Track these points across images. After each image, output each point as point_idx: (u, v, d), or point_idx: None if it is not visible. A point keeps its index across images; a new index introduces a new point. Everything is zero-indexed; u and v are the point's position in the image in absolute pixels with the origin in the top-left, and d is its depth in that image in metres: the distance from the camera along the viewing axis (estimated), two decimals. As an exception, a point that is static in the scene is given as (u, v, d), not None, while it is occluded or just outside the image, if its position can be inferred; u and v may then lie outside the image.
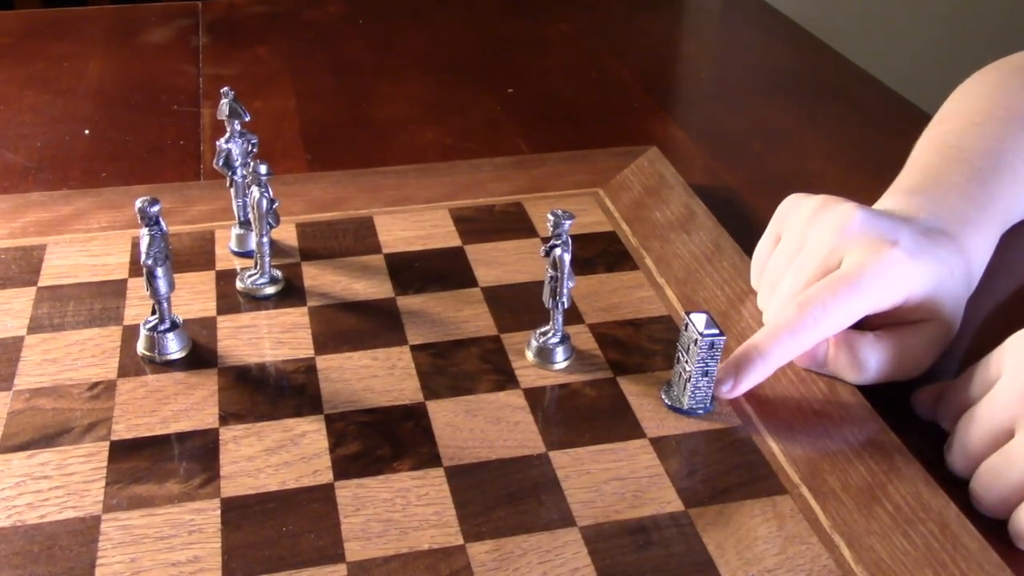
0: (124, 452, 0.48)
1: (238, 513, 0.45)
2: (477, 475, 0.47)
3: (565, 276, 0.52)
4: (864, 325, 0.54)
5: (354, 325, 0.57)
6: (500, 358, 0.55)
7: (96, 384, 0.52)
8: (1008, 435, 0.46)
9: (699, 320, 0.49)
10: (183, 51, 0.98)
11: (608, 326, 0.58)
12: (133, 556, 0.43)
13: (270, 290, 0.60)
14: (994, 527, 0.46)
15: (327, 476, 0.47)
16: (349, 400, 0.52)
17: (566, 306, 0.54)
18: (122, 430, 0.49)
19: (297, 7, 1.10)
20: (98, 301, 0.59)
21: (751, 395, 0.53)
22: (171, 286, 0.54)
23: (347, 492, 0.46)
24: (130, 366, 0.54)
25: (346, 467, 0.48)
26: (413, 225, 0.67)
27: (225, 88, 0.60)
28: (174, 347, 0.54)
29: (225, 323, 0.57)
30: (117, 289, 0.60)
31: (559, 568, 0.43)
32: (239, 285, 0.60)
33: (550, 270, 0.53)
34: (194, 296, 0.59)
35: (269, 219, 0.58)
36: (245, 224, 0.64)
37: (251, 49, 0.99)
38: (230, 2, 1.10)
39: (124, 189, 0.70)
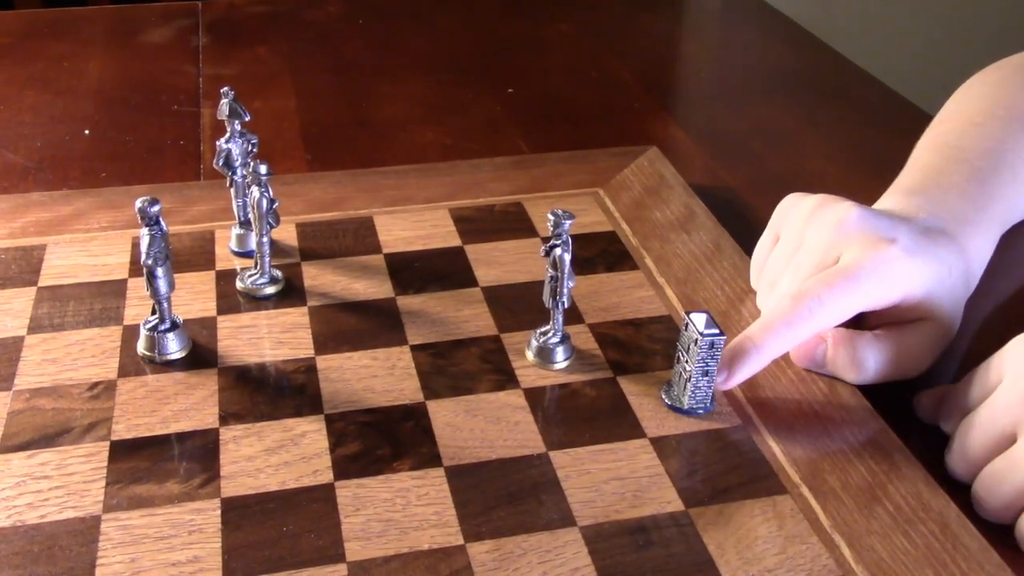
0: (124, 452, 0.48)
1: (238, 513, 0.45)
2: (477, 475, 0.47)
3: (565, 276, 0.52)
4: (863, 325, 0.54)
5: (354, 325, 0.57)
6: (500, 358, 0.55)
7: (96, 384, 0.52)
8: (1010, 439, 0.46)
9: (699, 320, 0.49)
10: (183, 51, 0.98)
11: (608, 326, 0.58)
12: (133, 556, 0.43)
13: (270, 290, 0.60)
14: (995, 527, 0.46)
15: (327, 476, 0.47)
16: (349, 400, 0.52)
17: (566, 306, 0.54)
18: (122, 430, 0.49)
19: (297, 7, 1.10)
20: (98, 301, 0.59)
21: (751, 395, 0.53)
22: (171, 286, 0.53)
23: (347, 492, 0.46)
24: (130, 366, 0.54)
25: (346, 467, 0.48)
26: (413, 225, 0.67)
27: (225, 88, 0.60)
28: (174, 347, 0.54)
29: (225, 323, 0.57)
30: (117, 289, 0.60)
31: (559, 568, 0.43)
32: (239, 285, 0.60)
33: (550, 270, 0.53)
34: (194, 296, 0.59)
35: (269, 219, 0.58)
36: (245, 224, 0.64)
37: (251, 49, 0.99)
38: (230, 2, 1.10)
39: (124, 189, 0.70)
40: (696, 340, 0.49)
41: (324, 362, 0.54)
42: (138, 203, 0.51)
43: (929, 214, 0.56)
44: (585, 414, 0.51)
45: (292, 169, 0.76)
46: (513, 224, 0.67)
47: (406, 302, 0.59)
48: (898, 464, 0.48)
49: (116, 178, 0.75)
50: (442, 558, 0.43)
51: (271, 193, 0.57)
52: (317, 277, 0.61)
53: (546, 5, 1.13)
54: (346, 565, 0.43)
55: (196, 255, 0.63)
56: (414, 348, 0.56)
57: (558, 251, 0.52)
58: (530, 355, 0.55)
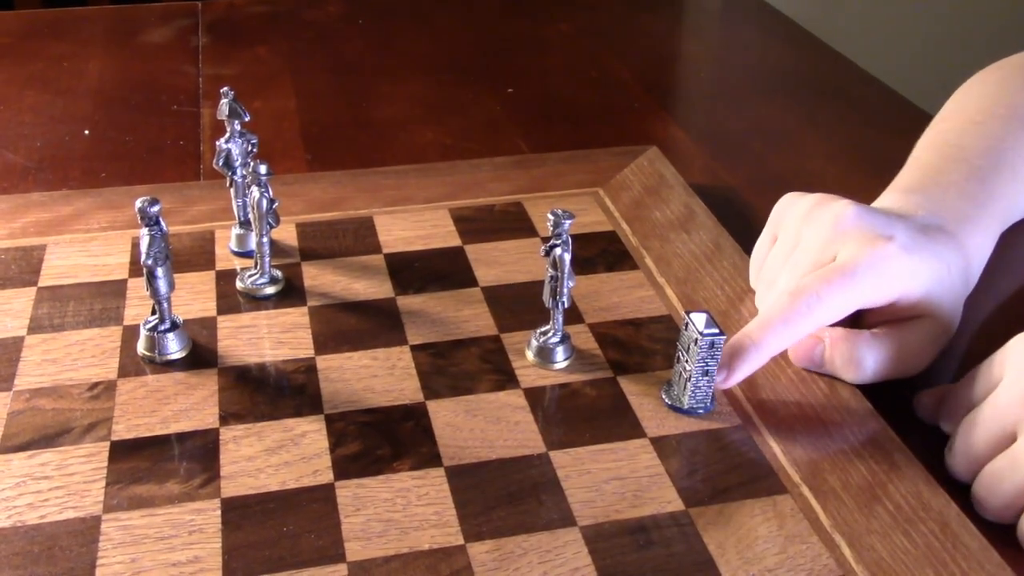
0: (124, 452, 0.48)
1: (238, 513, 0.45)
2: (477, 475, 0.47)
3: (565, 276, 0.52)
4: (861, 324, 0.54)
5: (354, 325, 0.57)
6: (500, 358, 0.55)
7: (96, 384, 0.52)
8: (1011, 438, 0.46)
9: (699, 319, 0.49)
10: (183, 51, 0.98)
11: (608, 326, 0.58)
12: (133, 556, 0.43)
13: (270, 290, 0.60)
14: (995, 527, 0.46)
15: (327, 476, 0.47)
16: (349, 400, 0.52)
17: (566, 306, 0.54)
18: (122, 430, 0.49)
19: (297, 7, 1.10)
20: (98, 301, 0.59)
21: (751, 395, 0.53)
22: (171, 286, 0.53)
23: (347, 492, 0.46)
24: (130, 366, 0.54)
25: (346, 467, 0.48)
26: (413, 225, 0.67)
27: (225, 88, 0.60)
28: (174, 347, 0.54)
29: (225, 323, 0.57)
30: (117, 289, 0.60)
31: (559, 568, 0.43)
32: (239, 285, 0.60)
33: (550, 270, 0.53)
34: (194, 296, 0.59)
35: (269, 219, 0.58)
36: (245, 224, 0.64)
37: (251, 49, 0.99)
38: (230, 2, 1.10)
39: (124, 189, 0.70)
40: (696, 340, 0.49)
41: (324, 362, 0.54)
42: (138, 203, 0.51)
43: (927, 212, 0.56)
44: (585, 414, 0.51)
45: (292, 169, 0.76)
46: (513, 224, 0.67)
47: (406, 302, 0.59)
48: (898, 464, 0.48)
49: (116, 178, 0.75)
50: (442, 558, 0.43)
51: (271, 193, 0.57)
52: (317, 277, 0.61)
53: (546, 5, 1.13)
54: (346, 565, 0.43)
55: (196, 255, 0.63)
56: (414, 348, 0.56)
57: (558, 251, 0.52)
58: (530, 355, 0.55)
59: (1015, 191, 0.62)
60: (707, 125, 0.89)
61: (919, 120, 0.70)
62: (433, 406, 0.51)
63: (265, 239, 0.58)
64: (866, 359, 0.52)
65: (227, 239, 0.64)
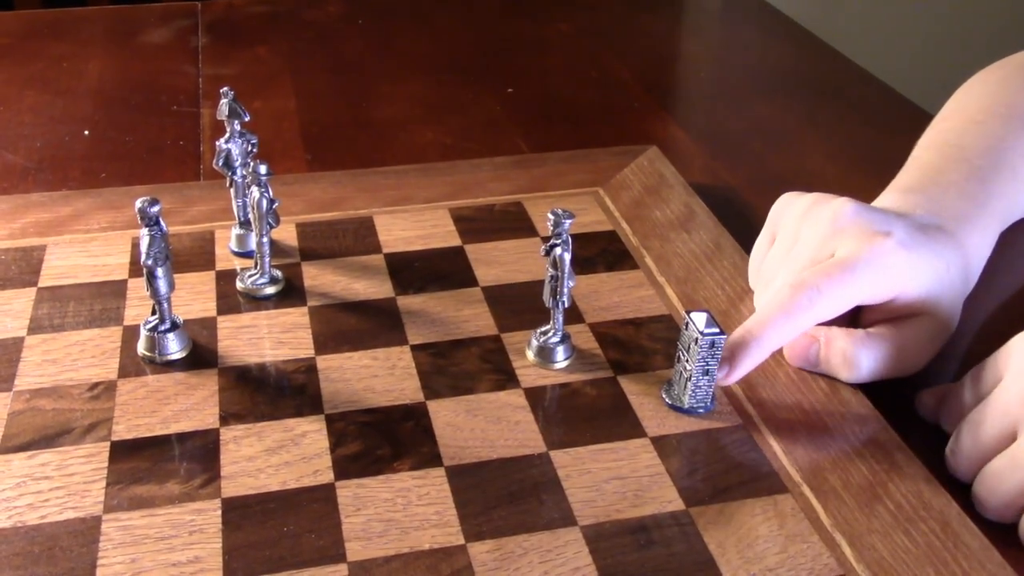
0: (124, 452, 0.48)
1: (239, 513, 0.45)
2: (478, 475, 0.47)
3: (565, 275, 0.52)
4: (859, 323, 0.54)
5: (354, 325, 0.57)
6: (500, 358, 0.55)
7: (96, 384, 0.52)
8: (1012, 438, 0.46)
9: (699, 319, 0.49)
10: (183, 51, 0.98)
11: (608, 325, 0.58)
12: (134, 556, 0.43)
13: (270, 290, 0.60)
14: (996, 526, 0.46)
15: (328, 476, 0.47)
16: (349, 400, 0.52)
17: (566, 305, 0.54)
18: (122, 430, 0.49)
19: (297, 7, 1.10)
20: (98, 302, 0.59)
21: (752, 394, 0.53)
22: (171, 286, 0.53)
23: (348, 492, 0.46)
24: (130, 366, 0.54)
25: (347, 467, 0.48)
26: (413, 225, 0.67)
27: (225, 88, 0.60)
28: (174, 347, 0.54)
29: (225, 323, 0.57)
30: (117, 289, 0.60)
31: (560, 568, 0.43)
32: (239, 285, 0.60)
33: (550, 269, 0.53)
34: (194, 296, 0.59)
35: (269, 219, 0.58)
36: (245, 224, 0.64)
37: (251, 49, 0.99)
38: (229, 2, 1.10)
39: (124, 189, 0.70)
40: (696, 339, 0.49)
41: (324, 362, 0.54)
42: (138, 203, 0.51)
43: (927, 211, 0.56)
44: (585, 413, 0.51)
45: (292, 169, 0.76)
46: (513, 224, 0.67)
47: (406, 302, 0.59)
48: (899, 463, 0.48)
49: (116, 178, 0.75)
50: (443, 558, 0.43)
51: (271, 193, 0.57)
52: (317, 277, 0.61)
53: (546, 5, 1.13)
54: (347, 565, 0.43)
55: (196, 255, 0.63)
56: (414, 348, 0.56)
57: (558, 250, 0.52)
58: (530, 355, 0.55)
59: (1015, 190, 0.62)
60: (707, 125, 0.89)
61: (919, 119, 0.70)
62: (433, 406, 0.51)
63: (265, 239, 0.58)
64: (862, 358, 0.52)
65: (227, 239, 0.64)
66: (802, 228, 0.55)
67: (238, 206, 0.64)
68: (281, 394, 0.52)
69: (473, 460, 0.48)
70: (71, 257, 0.62)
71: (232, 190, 0.63)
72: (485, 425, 0.50)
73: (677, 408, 0.52)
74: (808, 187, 0.59)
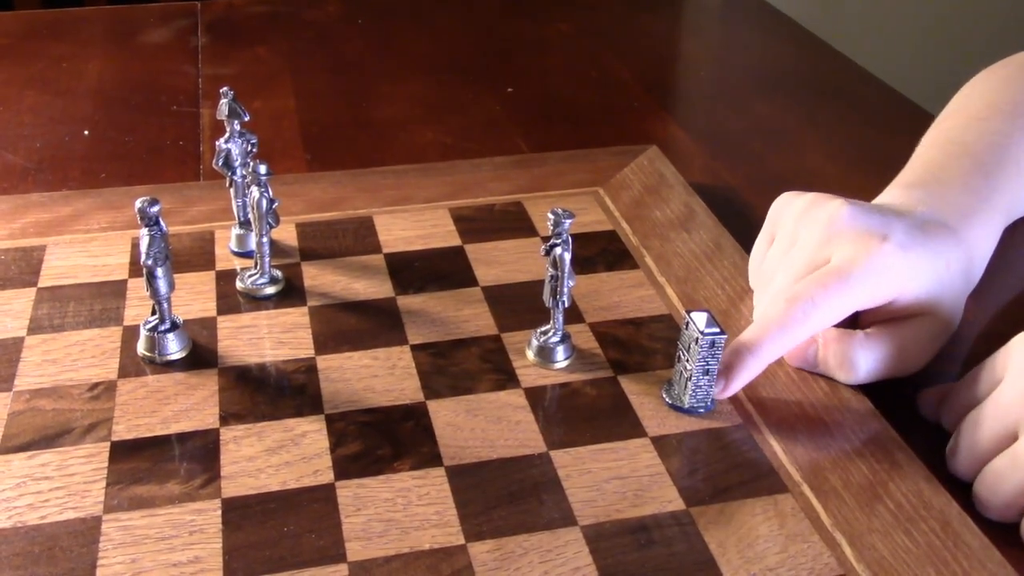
0: (125, 453, 0.48)
1: (239, 513, 0.45)
2: (478, 475, 0.47)
3: (565, 275, 0.52)
4: (859, 322, 0.54)
5: (354, 325, 0.57)
6: (500, 357, 0.55)
7: (96, 385, 0.52)
8: (1012, 437, 0.46)
9: (700, 319, 0.49)
10: (182, 51, 0.98)
11: (608, 325, 0.58)
12: (134, 557, 0.43)
13: (270, 290, 0.60)
14: (996, 525, 0.46)
15: (328, 476, 0.47)
16: (350, 400, 0.52)
17: (566, 305, 0.54)
18: (122, 431, 0.49)
19: (297, 7, 1.10)
20: (98, 302, 0.58)
21: (752, 394, 0.53)
22: (171, 286, 0.53)
23: (348, 492, 0.46)
24: (130, 367, 0.54)
25: (347, 467, 0.48)
26: (413, 225, 0.67)
27: (225, 88, 0.60)
28: (174, 347, 0.54)
29: (225, 323, 0.57)
30: (117, 290, 0.60)
31: (560, 567, 0.43)
32: (239, 285, 0.60)
33: (550, 269, 0.53)
34: (194, 296, 0.59)
35: (269, 219, 0.58)
36: (245, 224, 0.64)
37: (250, 49, 0.99)
38: (229, 2, 1.10)
39: (124, 190, 0.70)
40: (697, 339, 0.49)
41: (324, 362, 0.54)
42: (138, 203, 0.51)
43: (928, 207, 0.56)
44: (586, 413, 0.51)
45: (292, 169, 0.76)
46: (513, 223, 0.67)
47: (406, 302, 0.59)
48: (899, 462, 0.48)
49: (116, 179, 0.75)
50: (443, 558, 0.43)
51: (271, 193, 0.57)
52: (317, 277, 0.61)
53: (546, 5, 1.13)
54: (347, 565, 0.43)
55: (196, 255, 0.63)
56: (414, 348, 0.56)
57: (558, 250, 0.52)
58: (530, 354, 0.55)
59: (1019, 186, 0.62)
60: (707, 124, 0.89)
61: (919, 119, 0.70)
62: (433, 406, 0.51)
63: (265, 239, 0.58)
64: (859, 360, 0.52)
65: (227, 239, 0.64)
66: (800, 230, 0.54)
67: (238, 206, 0.64)
68: (281, 394, 0.52)
69: (473, 460, 0.48)
70: (71, 257, 0.62)
71: (232, 190, 0.63)
72: (485, 425, 0.50)
73: (677, 408, 0.52)
74: (808, 187, 0.59)
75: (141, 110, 0.86)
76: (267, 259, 0.59)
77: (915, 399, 0.53)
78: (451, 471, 0.48)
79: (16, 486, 0.46)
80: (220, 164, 0.62)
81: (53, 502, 0.45)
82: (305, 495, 0.46)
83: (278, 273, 0.60)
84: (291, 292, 0.60)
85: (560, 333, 0.55)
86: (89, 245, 0.63)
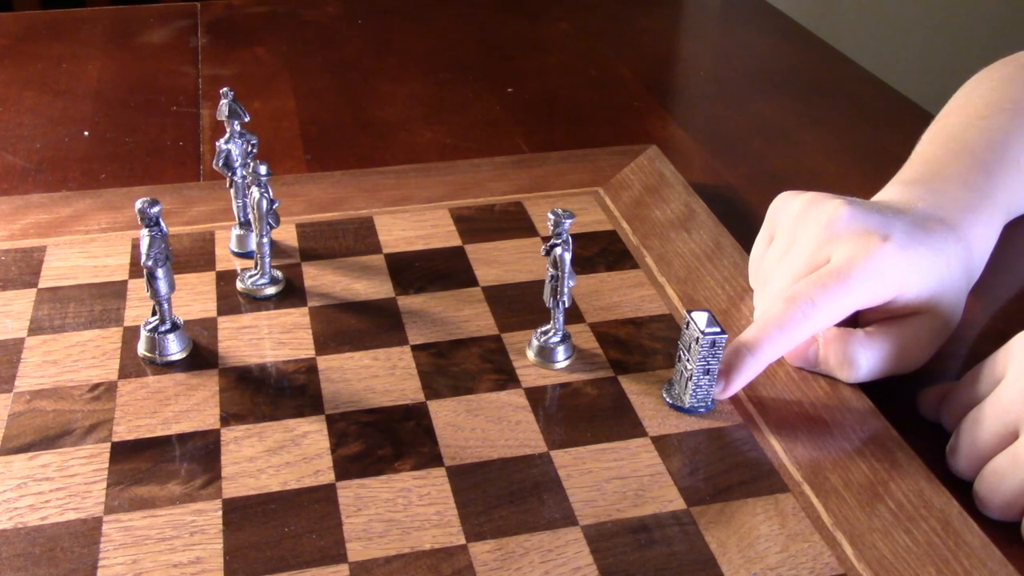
0: (125, 453, 0.48)
1: (240, 514, 0.45)
2: (478, 475, 0.47)
3: (566, 275, 0.52)
4: (859, 320, 0.54)
5: (355, 325, 0.57)
6: (501, 357, 0.55)
7: (97, 385, 0.52)
8: (1013, 436, 0.46)
9: (700, 318, 0.49)
10: (182, 52, 0.98)
11: (609, 325, 0.58)
12: (135, 557, 0.43)
13: (270, 291, 0.60)
14: (997, 524, 0.46)
15: (328, 476, 0.47)
16: (350, 400, 0.52)
17: (567, 305, 0.54)
18: (123, 431, 0.49)
19: (296, 7, 1.10)
20: (98, 302, 0.59)
21: (752, 394, 0.53)
22: (171, 287, 0.53)
23: (349, 492, 0.46)
24: (131, 367, 0.54)
25: (347, 467, 0.48)
26: (413, 225, 0.67)
27: (224, 89, 0.60)
28: (175, 348, 0.54)
29: (226, 324, 0.57)
30: (117, 290, 0.60)
31: (561, 567, 0.43)
32: (239, 286, 0.60)
33: (551, 269, 0.53)
34: (194, 297, 0.59)
35: (269, 219, 0.58)
36: (245, 225, 0.64)
37: (250, 49, 0.99)
38: (228, 2, 1.10)
39: (124, 190, 0.70)
40: (697, 339, 0.49)
41: (325, 362, 0.54)
42: (138, 204, 0.51)
43: (928, 204, 0.56)
44: (586, 413, 0.51)
45: (292, 169, 0.76)
46: (513, 223, 0.67)
47: (407, 302, 0.59)
48: (900, 461, 0.48)
49: (116, 179, 0.75)
50: (444, 558, 0.43)
51: (271, 194, 0.57)
52: (317, 277, 0.61)
53: (546, 5, 1.13)
54: (348, 565, 0.43)
55: (196, 256, 0.63)
56: (415, 348, 0.56)
57: (558, 250, 0.52)
58: (531, 354, 0.55)
59: (1019, 183, 0.62)
60: (707, 124, 0.89)
61: (919, 117, 0.70)
62: (434, 406, 0.51)
63: (265, 240, 0.58)
64: (860, 358, 0.52)
65: (227, 240, 0.64)
66: (798, 229, 0.54)
67: (238, 207, 0.64)
68: (282, 394, 0.52)
69: (474, 460, 0.48)
70: (71, 258, 0.62)
71: (232, 191, 0.63)
72: (486, 425, 0.50)
73: (678, 408, 0.52)
74: (808, 185, 0.59)
75: (141, 111, 0.86)
76: (267, 260, 0.59)
77: (915, 399, 0.53)
78: (452, 471, 0.48)
79: (17, 487, 0.46)
80: (220, 165, 0.62)
81: (54, 503, 0.45)
82: (306, 495, 0.46)
83: (278, 274, 0.60)
84: (291, 292, 0.60)
85: (560, 333, 0.55)
86: (89, 246, 0.63)
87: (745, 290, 0.60)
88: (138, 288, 0.60)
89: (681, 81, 1.01)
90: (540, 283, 0.55)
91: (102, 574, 0.42)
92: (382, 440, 0.49)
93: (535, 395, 0.53)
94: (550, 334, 0.55)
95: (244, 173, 0.62)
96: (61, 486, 0.46)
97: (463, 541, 0.44)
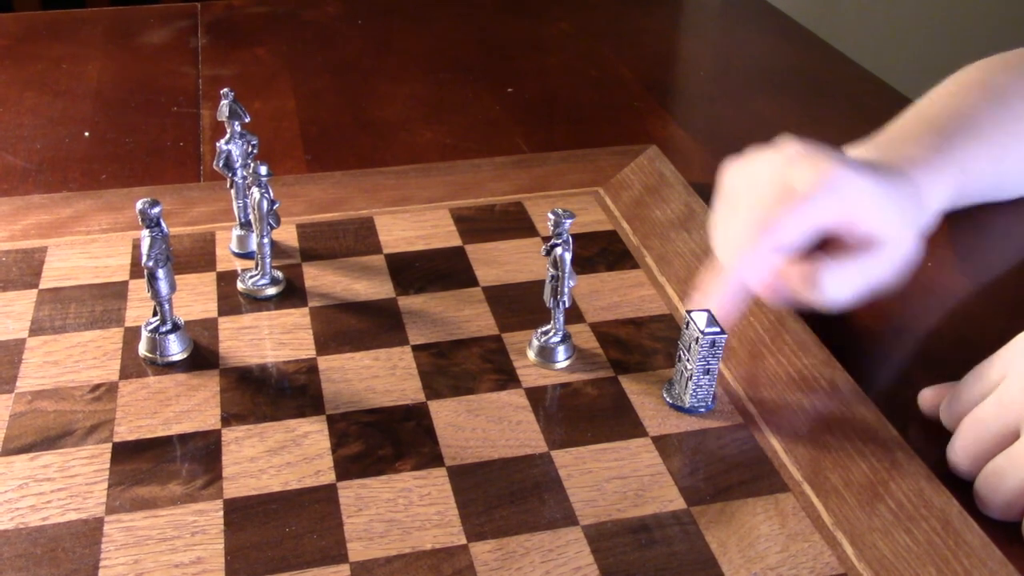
0: (126, 454, 0.48)
1: (241, 514, 0.45)
2: (479, 475, 0.47)
3: (566, 275, 0.52)
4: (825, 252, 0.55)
5: (355, 325, 0.57)
6: (501, 357, 0.55)
7: (98, 386, 0.52)
8: (1013, 436, 0.46)
9: (700, 318, 0.49)
10: (182, 52, 0.98)
11: (609, 325, 0.58)
12: (136, 557, 0.43)
13: (271, 291, 0.60)
14: (997, 524, 0.46)
15: (329, 476, 0.47)
16: (351, 400, 0.52)
17: (567, 305, 0.54)
18: (124, 432, 0.49)
19: (296, 7, 1.10)
20: (99, 303, 0.59)
21: (752, 394, 0.53)
22: (172, 287, 0.54)
23: (349, 492, 0.46)
24: (132, 368, 0.54)
25: (348, 467, 0.48)
26: (413, 225, 0.67)
27: (225, 89, 0.60)
28: (175, 348, 0.54)
29: (226, 324, 0.57)
30: (118, 291, 0.60)
31: (562, 567, 0.43)
32: (240, 286, 0.60)
33: (551, 269, 0.53)
34: (195, 297, 0.59)
35: (270, 220, 0.58)
36: (246, 225, 0.64)
37: (250, 50, 0.99)
38: (229, 3, 1.10)
39: (124, 191, 0.70)
40: (697, 339, 0.49)
41: (325, 362, 0.54)
42: (139, 205, 0.51)
43: (877, 156, 0.58)
44: (586, 413, 0.51)
45: (292, 170, 0.76)
46: (513, 223, 0.67)
47: (407, 302, 0.59)
48: (900, 461, 0.48)
49: (116, 180, 0.75)
50: (445, 558, 0.43)
51: (271, 194, 0.57)
52: (318, 278, 0.61)
53: (546, 5, 1.13)
54: (349, 565, 0.43)
55: (197, 256, 0.63)
56: (415, 348, 0.56)
57: (559, 250, 0.52)
58: (531, 354, 0.55)
59: (977, 149, 0.63)
60: (707, 123, 0.89)
61: (919, 118, 0.70)
62: (435, 406, 0.52)
63: (266, 240, 0.58)
64: (825, 280, 0.52)
65: (228, 240, 0.64)
66: (754, 173, 0.55)
67: (238, 207, 0.64)
68: (282, 395, 0.52)
69: (474, 460, 0.48)
70: (72, 259, 0.62)
71: (232, 191, 0.63)
72: (486, 425, 0.50)
73: (678, 407, 0.52)
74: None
75: (141, 111, 0.86)
76: (268, 260, 0.59)
77: (915, 399, 0.53)
78: (452, 471, 0.48)
79: (18, 487, 0.46)
80: (221, 165, 0.62)
81: (55, 503, 0.45)
82: (307, 495, 0.46)
83: (279, 274, 0.61)
84: (292, 293, 0.60)
85: (561, 333, 0.55)
86: (90, 246, 0.64)
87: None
88: (139, 289, 0.60)
89: (681, 81, 1.01)
90: (540, 283, 0.55)
91: (103, 574, 0.42)
92: (383, 440, 0.49)
93: (535, 395, 0.53)
94: (550, 334, 0.55)
95: (244, 174, 0.62)
96: (62, 486, 0.46)
97: (464, 541, 0.44)
